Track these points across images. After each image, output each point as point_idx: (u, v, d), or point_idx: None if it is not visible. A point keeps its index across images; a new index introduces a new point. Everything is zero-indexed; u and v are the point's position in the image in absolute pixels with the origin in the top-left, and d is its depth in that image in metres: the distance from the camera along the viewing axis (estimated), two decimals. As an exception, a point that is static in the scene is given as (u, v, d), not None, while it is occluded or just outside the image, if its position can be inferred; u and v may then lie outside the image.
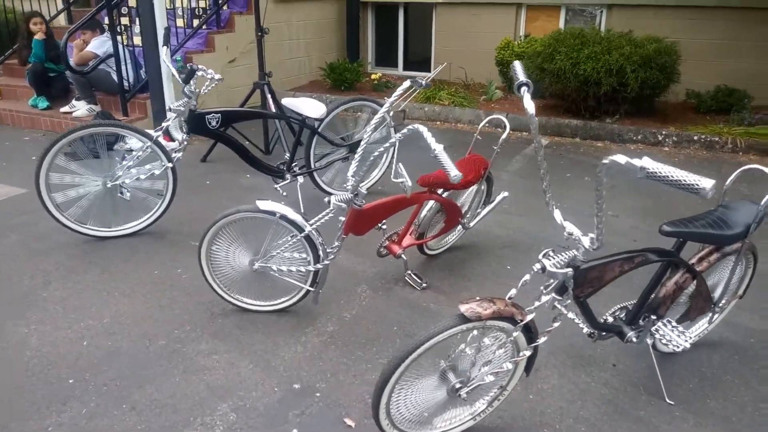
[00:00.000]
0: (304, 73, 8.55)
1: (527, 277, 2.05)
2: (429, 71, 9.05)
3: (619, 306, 2.54)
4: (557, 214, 2.07)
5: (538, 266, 2.02)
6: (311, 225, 2.91)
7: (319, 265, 2.95)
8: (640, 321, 2.49)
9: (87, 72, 6.11)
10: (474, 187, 3.60)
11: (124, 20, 7.01)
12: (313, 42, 8.58)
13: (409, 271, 3.45)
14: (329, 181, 4.65)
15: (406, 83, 2.94)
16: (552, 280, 2.10)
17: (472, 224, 3.68)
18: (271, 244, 2.99)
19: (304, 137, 4.35)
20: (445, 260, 3.73)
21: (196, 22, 7.09)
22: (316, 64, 8.66)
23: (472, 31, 8.49)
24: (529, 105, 1.93)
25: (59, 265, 3.64)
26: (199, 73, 3.72)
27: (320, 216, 2.93)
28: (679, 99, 7.12)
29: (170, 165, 3.88)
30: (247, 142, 5.19)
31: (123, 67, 6.13)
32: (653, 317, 2.39)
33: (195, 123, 3.89)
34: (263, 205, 2.88)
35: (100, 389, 2.57)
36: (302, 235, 2.89)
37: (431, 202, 3.41)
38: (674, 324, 2.41)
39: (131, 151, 5.72)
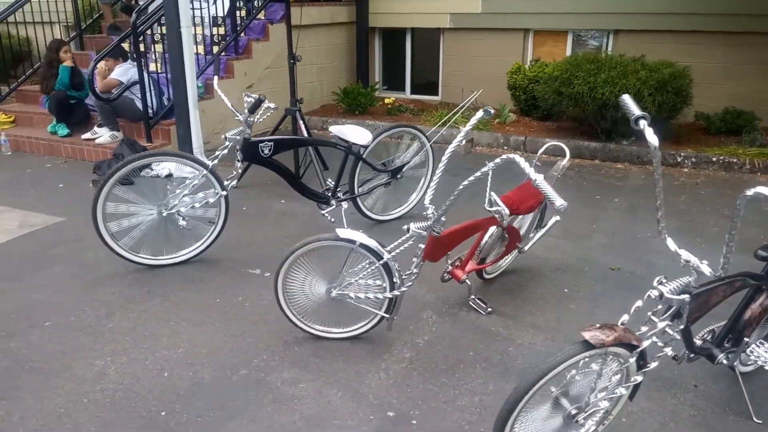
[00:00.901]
0: (316, 98, 8.62)
1: (639, 303, 2.10)
2: (437, 95, 9.19)
3: (707, 329, 2.61)
4: (670, 242, 2.12)
5: (655, 293, 2.06)
6: (389, 252, 2.94)
7: (396, 292, 2.98)
8: (725, 343, 2.56)
9: (113, 99, 6.11)
10: (532, 212, 3.66)
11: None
12: (324, 67, 8.66)
13: (473, 296, 3.49)
14: (370, 206, 4.69)
15: (480, 113, 3.00)
16: (661, 306, 2.15)
17: (527, 248, 3.74)
18: (347, 272, 3.01)
19: (334, 163, 4.40)
20: (502, 284, 3.78)
21: (215, 49, 7.13)
22: (327, 89, 8.73)
23: (480, 56, 8.63)
24: (653, 138, 1.99)
25: (117, 294, 3.62)
26: (264, 105, 3.78)
27: (397, 243, 2.97)
28: (688, 121, 7.30)
29: (224, 193, 3.90)
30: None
31: (147, 94, 6.13)
32: (746, 339, 2.46)
33: (249, 151, 3.92)
34: (343, 233, 2.91)
35: (194, 421, 2.56)
36: (380, 262, 2.93)
37: (493, 228, 3.46)
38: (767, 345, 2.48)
39: (158, 177, 5.75)
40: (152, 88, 6.31)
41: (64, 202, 5.19)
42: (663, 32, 7.56)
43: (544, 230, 3.80)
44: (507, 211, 2.70)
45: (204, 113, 6.21)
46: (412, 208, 4.87)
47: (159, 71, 6.63)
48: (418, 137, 4.69)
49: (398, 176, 4.64)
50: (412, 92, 9.46)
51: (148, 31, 6.64)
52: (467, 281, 3.41)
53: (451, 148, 2.96)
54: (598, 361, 2.13)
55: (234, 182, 3.93)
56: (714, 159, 6.09)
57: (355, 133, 4.26)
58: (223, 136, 3.87)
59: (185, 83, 5.84)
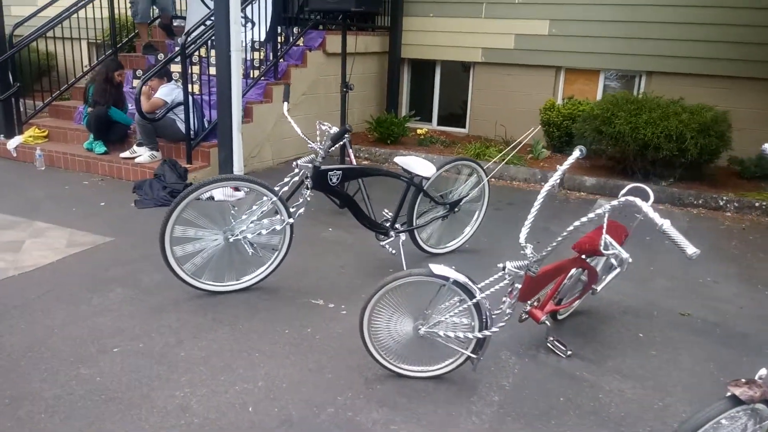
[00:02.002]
0: (346, 126, 8.59)
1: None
2: (464, 128, 9.20)
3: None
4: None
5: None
6: (482, 292, 2.87)
7: (487, 332, 2.89)
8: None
9: (158, 119, 6.06)
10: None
11: (177, 67, 6.97)
12: (355, 95, 8.64)
13: (551, 338, 3.42)
14: (425, 239, 4.63)
15: (576, 152, 2.97)
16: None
17: (599, 289, 3.68)
18: (435, 308, 2.94)
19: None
20: (573, 325, 3.70)
21: (254, 74, 7.11)
22: (357, 117, 8.73)
23: (511, 91, 8.66)
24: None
25: (183, 321, 3.52)
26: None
27: (491, 281, 2.90)
28: (721, 164, 7.31)
29: (291, 221, 3.83)
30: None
31: (191, 116, 6.09)
32: None
33: (318, 179, 3.87)
34: (437, 269, 2.84)
35: (292, 462, 2.45)
36: (472, 302, 2.85)
37: (573, 269, 3.40)
38: None
39: (200, 199, 5.67)
40: (194, 109, 6.26)
41: (109, 221, 5.10)
42: (695, 76, 7.61)
43: (616, 272, 3.74)
44: (626, 255, 2.65)
45: (242, 137, 6.15)
46: (465, 242, 4.80)
47: (200, 93, 6.59)
48: (476, 171, 4.65)
49: (456, 209, 4.59)
50: (439, 123, 9.48)
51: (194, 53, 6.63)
52: (546, 322, 3.33)
53: (547, 186, 2.93)
54: (733, 417, 2.06)
55: (302, 210, 3.87)
56: (756, 204, 6.09)
57: (419, 164, 4.22)
58: (294, 164, 3.82)
59: (231, 106, 5.81)
